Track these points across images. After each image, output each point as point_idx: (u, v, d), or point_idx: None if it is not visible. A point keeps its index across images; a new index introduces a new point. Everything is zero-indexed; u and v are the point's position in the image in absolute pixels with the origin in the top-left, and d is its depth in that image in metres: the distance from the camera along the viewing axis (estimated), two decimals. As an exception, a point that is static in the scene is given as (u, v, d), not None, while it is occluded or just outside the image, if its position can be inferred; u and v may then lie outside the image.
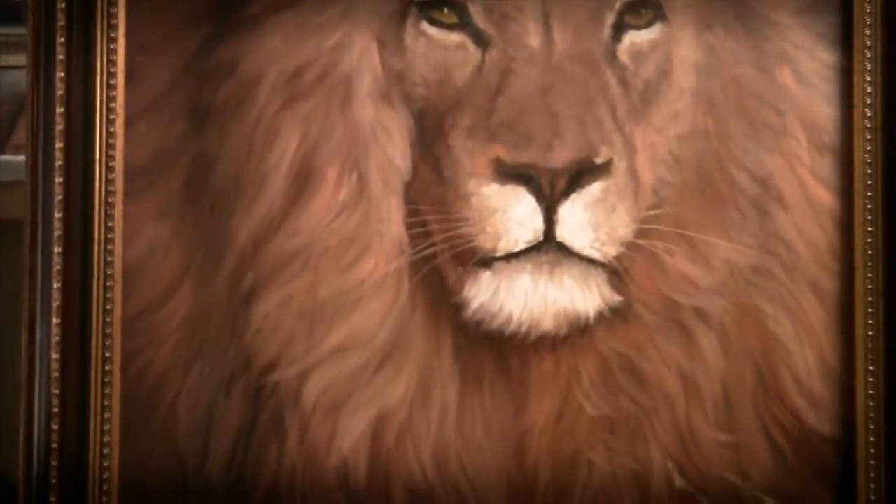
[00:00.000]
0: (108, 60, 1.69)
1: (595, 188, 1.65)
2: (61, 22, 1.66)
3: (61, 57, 1.67)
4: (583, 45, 1.67)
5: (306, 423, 1.67)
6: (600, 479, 1.67)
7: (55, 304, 1.65)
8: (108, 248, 1.68)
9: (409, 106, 1.68)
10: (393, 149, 1.68)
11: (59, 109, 1.67)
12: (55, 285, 1.65)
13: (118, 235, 1.68)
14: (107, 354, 1.66)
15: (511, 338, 1.67)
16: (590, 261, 1.66)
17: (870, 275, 1.66)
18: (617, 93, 1.67)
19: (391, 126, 1.69)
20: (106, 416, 1.66)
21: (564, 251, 1.65)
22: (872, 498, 1.65)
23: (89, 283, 1.67)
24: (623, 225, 1.66)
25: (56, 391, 1.65)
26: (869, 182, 1.67)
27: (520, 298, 1.66)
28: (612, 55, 1.67)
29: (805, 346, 1.68)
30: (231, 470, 1.67)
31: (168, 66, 1.70)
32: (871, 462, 1.65)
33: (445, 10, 1.68)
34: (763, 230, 1.68)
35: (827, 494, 1.67)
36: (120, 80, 1.70)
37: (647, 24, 1.68)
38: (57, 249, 1.66)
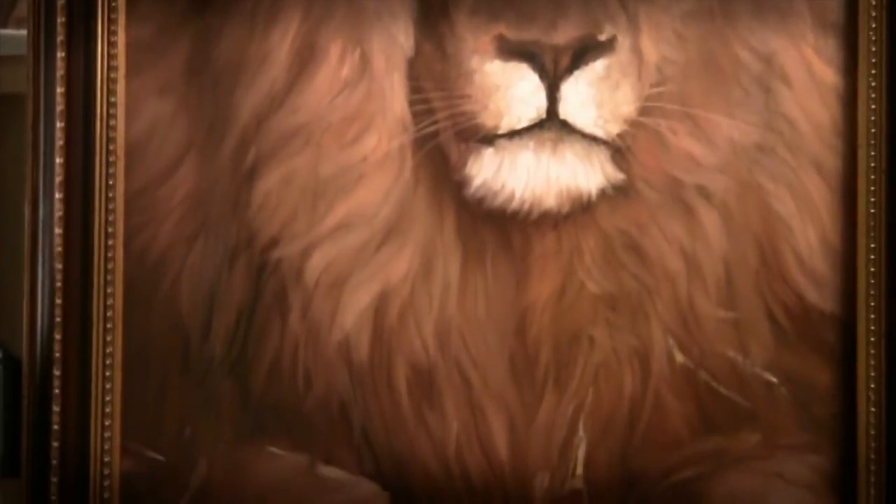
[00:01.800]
0: (110, -64, 1.68)
1: (598, 65, 1.65)
2: None
3: (62, -69, 1.66)
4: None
5: (309, 300, 1.67)
6: (601, 355, 1.68)
7: (58, 179, 1.65)
8: (111, 123, 1.67)
9: (412, -7, 1.68)
10: (396, 26, 1.68)
11: (61, -16, 1.66)
12: (58, 160, 1.65)
13: (120, 111, 1.68)
14: (109, 230, 1.66)
15: (513, 215, 1.67)
16: (593, 138, 1.66)
17: (873, 153, 1.66)
18: (622, -21, 1.67)
19: (394, 4, 1.68)
20: (109, 291, 1.66)
21: (567, 128, 1.65)
22: (872, 374, 1.66)
23: (91, 159, 1.66)
24: (626, 102, 1.66)
25: (59, 266, 1.65)
26: (873, 60, 1.67)
27: (522, 176, 1.66)
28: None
29: (807, 224, 1.68)
30: (234, 345, 1.68)
31: (170, -59, 1.69)
32: (872, 339, 1.66)
33: None
34: (766, 108, 1.68)
35: (827, 371, 1.68)
36: (121, -45, 1.69)
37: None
38: (59, 125, 1.65)
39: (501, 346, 1.67)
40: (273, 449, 1.67)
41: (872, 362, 1.65)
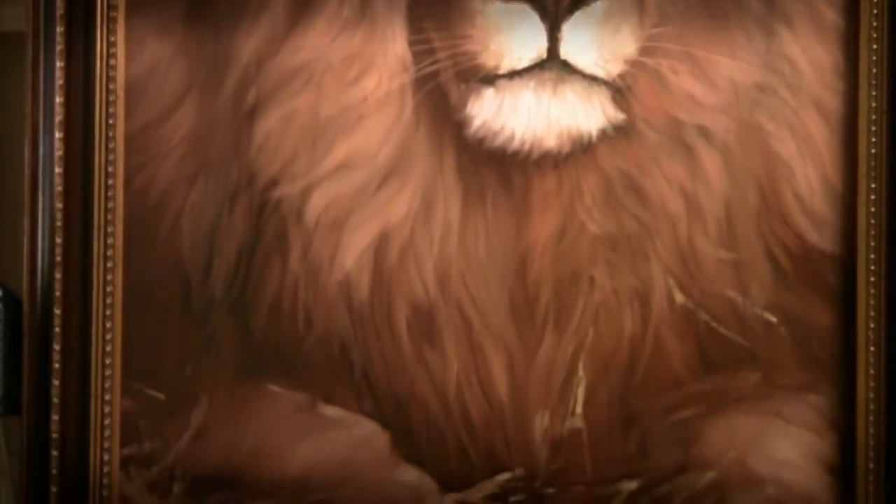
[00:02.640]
0: None
1: (599, 6, 1.64)
2: None
3: None
4: None
5: (309, 239, 1.68)
6: (602, 295, 1.68)
7: (58, 118, 1.65)
8: (111, 63, 1.67)
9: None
10: None
11: (60, -78, 1.66)
12: (57, 100, 1.65)
13: (120, 51, 1.67)
14: (109, 169, 1.66)
15: (514, 155, 1.67)
16: (593, 78, 1.66)
17: (874, 93, 1.66)
18: None
19: None
20: (109, 230, 1.67)
21: (568, 69, 1.65)
22: (872, 314, 1.66)
23: (91, 98, 1.66)
24: (627, 43, 1.66)
25: (59, 205, 1.65)
26: (875, 0, 1.66)
27: (522, 116, 1.66)
28: None
29: (808, 165, 1.68)
30: (234, 285, 1.68)
31: None
32: (872, 279, 1.66)
33: None
34: (768, 49, 1.68)
35: (827, 310, 1.68)
36: None
37: None
38: (59, 64, 1.65)
39: (502, 286, 1.67)
40: (273, 387, 1.67)
41: (872, 302, 1.66)
